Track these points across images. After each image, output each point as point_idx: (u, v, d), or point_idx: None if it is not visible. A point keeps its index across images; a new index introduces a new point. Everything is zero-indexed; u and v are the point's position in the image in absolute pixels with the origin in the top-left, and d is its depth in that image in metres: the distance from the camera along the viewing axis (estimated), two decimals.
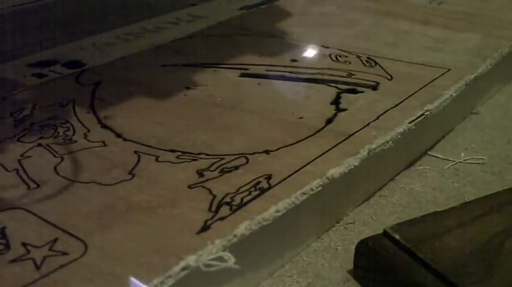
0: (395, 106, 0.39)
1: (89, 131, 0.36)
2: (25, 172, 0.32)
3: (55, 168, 0.33)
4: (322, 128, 0.36)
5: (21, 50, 0.49)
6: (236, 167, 0.32)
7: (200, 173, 0.32)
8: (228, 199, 0.29)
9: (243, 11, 0.59)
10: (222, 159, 0.33)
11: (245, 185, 0.30)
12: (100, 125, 0.37)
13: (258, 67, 0.45)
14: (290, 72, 0.44)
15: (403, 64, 0.45)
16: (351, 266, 0.30)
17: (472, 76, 0.43)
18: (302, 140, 0.35)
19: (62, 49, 0.50)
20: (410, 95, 0.40)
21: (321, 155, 0.33)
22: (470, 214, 0.30)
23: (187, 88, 0.42)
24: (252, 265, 0.28)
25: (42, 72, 0.45)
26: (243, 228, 0.27)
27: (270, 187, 0.30)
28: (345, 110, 0.38)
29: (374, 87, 0.41)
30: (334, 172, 0.31)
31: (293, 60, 0.46)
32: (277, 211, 0.29)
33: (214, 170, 0.32)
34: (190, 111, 0.39)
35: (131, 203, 0.29)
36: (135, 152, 0.34)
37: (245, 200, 0.29)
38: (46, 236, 0.27)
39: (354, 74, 0.43)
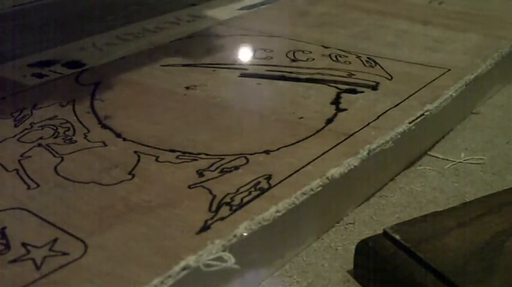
0: (395, 106, 0.39)
1: (88, 131, 0.36)
2: (25, 172, 0.32)
3: (55, 168, 0.33)
4: (322, 128, 0.36)
5: (21, 50, 0.49)
6: (236, 167, 0.32)
7: (200, 173, 0.32)
8: (228, 199, 0.29)
9: (243, 11, 0.59)
10: (222, 159, 0.33)
11: (245, 185, 0.30)
12: (100, 125, 0.37)
13: (258, 67, 0.45)
14: (290, 72, 0.44)
15: (403, 64, 0.45)
16: (351, 266, 0.30)
17: (472, 76, 0.43)
18: (302, 140, 0.35)
19: (62, 49, 0.50)
20: (410, 95, 0.40)
21: (321, 155, 0.33)
22: (470, 214, 0.30)
23: (187, 88, 0.42)
24: (252, 265, 0.28)
25: (42, 72, 0.45)
26: (243, 228, 0.27)
27: (270, 187, 0.30)
28: (345, 110, 0.38)
29: (374, 87, 0.41)
30: (334, 172, 0.31)
31: (293, 60, 0.46)
32: (277, 211, 0.29)
33: (214, 170, 0.32)
34: (190, 111, 0.39)
35: (131, 203, 0.29)
36: (135, 152, 0.34)
37: (245, 200, 0.29)
38: (46, 236, 0.27)
39: (354, 74, 0.43)
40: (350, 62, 0.46)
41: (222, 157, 0.33)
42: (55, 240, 0.27)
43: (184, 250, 0.26)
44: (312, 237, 0.32)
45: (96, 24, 0.55)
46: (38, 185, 0.31)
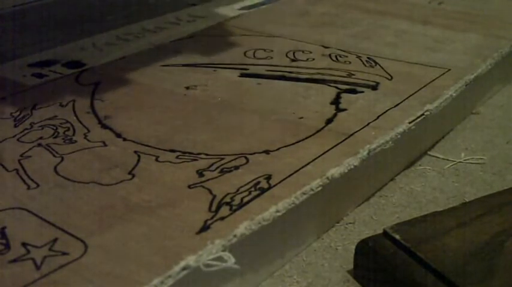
0: (395, 106, 0.39)
1: (88, 131, 0.36)
2: (25, 171, 0.32)
3: (55, 168, 0.33)
4: (322, 128, 0.36)
5: (21, 50, 0.49)
6: (236, 167, 0.32)
7: (200, 173, 0.32)
8: (228, 199, 0.29)
9: (243, 11, 0.59)
10: (222, 159, 0.33)
11: (245, 185, 0.30)
12: (100, 125, 0.37)
13: (258, 67, 0.45)
14: (290, 72, 0.44)
15: (403, 64, 0.45)
16: (351, 266, 0.30)
17: (472, 76, 0.43)
18: (302, 140, 0.35)
19: (62, 49, 0.50)
20: (410, 95, 0.40)
21: (321, 155, 0.33)
22: (470, 214, 0.30)
23: (187, 88, 0.42)
24: (252, 265, 0.28)
25: (42, 72, 0.45)
26: (243, 228, 0.27)
27: (270, 187, 0.30)
28: (345, 110, 0.38)
29: (374, 87, 0.41)
30: (334, 172, 0.31)
31: (293, 60, 0.46)
32: (277, 211, 0.29)
33: (214, 170, 0.32)
34: (190, 111, 0.39)
35: (131, 203, 0.29)
36: (135, 152, 0.34)
37: (245, 200, 0.29)
38: (46, 236, 0.27)
39: (354, 74, 0.43)
40: (350, 62, 0.46)
41: (222, 156, 0.33)
42: (55, 240, 0.27)
43: (184, 250, 0.26)
44: (312, 237, 0.32)
45: (96, 24, 0.55)
46: (38, 185, 0.31)
